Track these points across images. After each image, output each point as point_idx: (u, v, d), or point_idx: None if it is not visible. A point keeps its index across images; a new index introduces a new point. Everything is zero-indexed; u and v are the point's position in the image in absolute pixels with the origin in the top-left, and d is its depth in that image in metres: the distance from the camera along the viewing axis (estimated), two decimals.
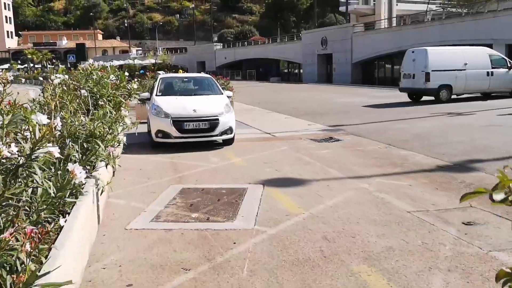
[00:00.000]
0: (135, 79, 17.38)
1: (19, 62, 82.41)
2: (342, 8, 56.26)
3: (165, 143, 9.39)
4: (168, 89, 10.75)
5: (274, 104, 20.19)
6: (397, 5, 45.66)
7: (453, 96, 18.05)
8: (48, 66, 69.49)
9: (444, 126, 11.85)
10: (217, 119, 9.36)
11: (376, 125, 12.52)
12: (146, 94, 10.52)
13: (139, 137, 9.57)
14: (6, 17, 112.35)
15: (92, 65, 7.98)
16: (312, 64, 43.80)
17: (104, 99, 6.82)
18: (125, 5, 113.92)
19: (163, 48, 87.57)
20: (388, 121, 13.22)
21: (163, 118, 9.27)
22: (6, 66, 74.03)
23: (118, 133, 5.56)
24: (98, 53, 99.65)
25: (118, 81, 7.68)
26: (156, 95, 10.26)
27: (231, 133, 9.65)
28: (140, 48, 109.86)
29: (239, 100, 22.22)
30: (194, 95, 10.56)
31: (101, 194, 4.74)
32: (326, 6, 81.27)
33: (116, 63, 70.83)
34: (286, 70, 55.22)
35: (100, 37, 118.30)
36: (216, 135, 9.43)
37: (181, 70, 23.14)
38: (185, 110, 9.32)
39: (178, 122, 9.19)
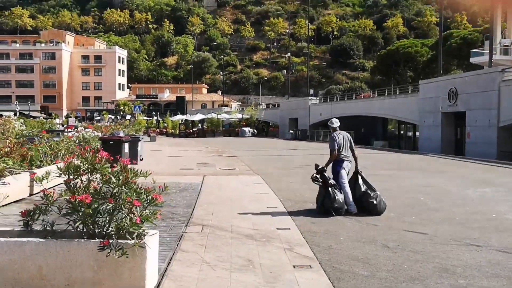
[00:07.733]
0: None
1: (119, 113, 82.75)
2: (473, 60, 42.95)
3: None
4: None
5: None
6: None
7: None
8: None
9: None
10: None
11: None
12: None
13: None
14: (119, 70, 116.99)
15: None
16: (434, 126, 31.00)
17: None
18: (223, 56, 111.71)
19: (265, 103, 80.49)
20: None
21: None
22: (99, 117, 75.27)
23: None
24: (198, 106, 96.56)
25: None
26: None
27: None
28: (240, 103, 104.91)
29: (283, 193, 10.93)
30: None
31: None
32: (451, 58, 66.99)
33: (201, 116, 64.30)
34: (396, 132, 42.53)
35: (204, 91, 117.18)
36: None
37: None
38: None
39: None
